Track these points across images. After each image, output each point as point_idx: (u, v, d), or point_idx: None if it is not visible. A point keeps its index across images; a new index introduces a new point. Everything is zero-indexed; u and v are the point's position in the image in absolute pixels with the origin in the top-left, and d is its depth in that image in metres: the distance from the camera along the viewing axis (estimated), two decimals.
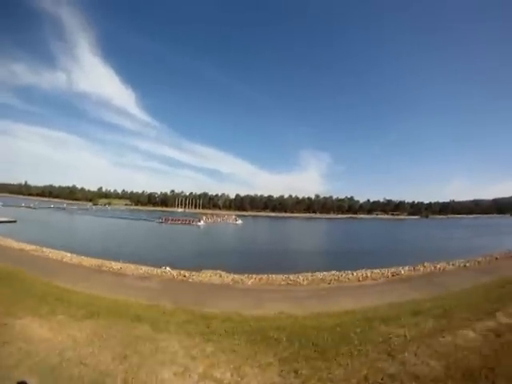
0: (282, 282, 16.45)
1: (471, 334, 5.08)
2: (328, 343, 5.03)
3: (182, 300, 11.72)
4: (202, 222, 76.33)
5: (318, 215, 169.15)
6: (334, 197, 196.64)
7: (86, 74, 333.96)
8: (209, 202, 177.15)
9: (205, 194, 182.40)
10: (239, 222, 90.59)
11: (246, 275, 17.69)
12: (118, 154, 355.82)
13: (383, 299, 11.11)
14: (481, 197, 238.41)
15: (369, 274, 17.79)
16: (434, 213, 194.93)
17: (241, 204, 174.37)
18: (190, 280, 16.94)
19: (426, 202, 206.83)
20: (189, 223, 75.13)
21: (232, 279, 17.09)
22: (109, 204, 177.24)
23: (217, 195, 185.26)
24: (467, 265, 20.25)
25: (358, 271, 18.65)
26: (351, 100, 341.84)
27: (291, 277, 17.29)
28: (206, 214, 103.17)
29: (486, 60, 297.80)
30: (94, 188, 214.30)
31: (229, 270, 18.68)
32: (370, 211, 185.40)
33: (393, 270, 18.90)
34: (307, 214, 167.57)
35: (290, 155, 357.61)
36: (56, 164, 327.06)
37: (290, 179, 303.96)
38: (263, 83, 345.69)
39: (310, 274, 17.94)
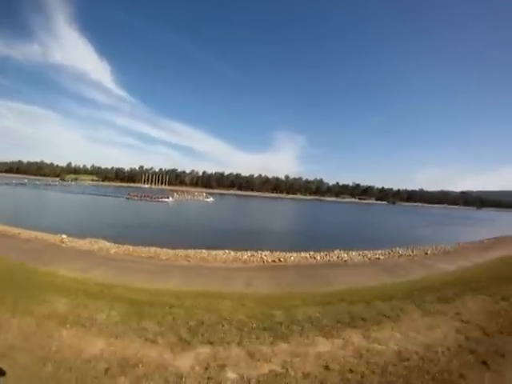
0: (143, 255, 16.77)
1: None
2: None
3: (34, 258, 13.15)
4: (170, 199, 75.19)
5: (284, 195, 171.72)
6: (305, 178, 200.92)
7: (62, 47, 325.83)
8: (176, 178, 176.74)
9: (172, 171, 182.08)
10: (210, 199, 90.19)
11: (122, 246, 18.33)
12: (92, 128, 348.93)
13: (200, 285, 10.53)
14: (449, 189, 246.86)
15: (246, 257, 16.74)
16: (401, 200, 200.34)
17: (208, 181, 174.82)
18: (64, 245, 18.25)
19: (396, 188, 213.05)
20: (157, 200, 72.95)
21: (100, 247, 18.11)
22: (75, 179, 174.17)
23: (184, 172, 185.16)
24: (381, 257, 18.14)
25: (244, 252, 17.63)
26: (330, 86, 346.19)
27: (158, 250, 17.48)
28: (176, 191, 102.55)
29: (461, 60, 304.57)
30: (64, 163, 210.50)
31: (122, 241, 19.44)
32: (337, 194, 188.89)
33: (285, 254, 17.37)
34: (273, 194, 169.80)
35: (266, 136, 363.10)
36: (29, 139, 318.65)
37: (265, 159, 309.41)
38: (242, 63, 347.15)
39: (182, 251, 17.55)
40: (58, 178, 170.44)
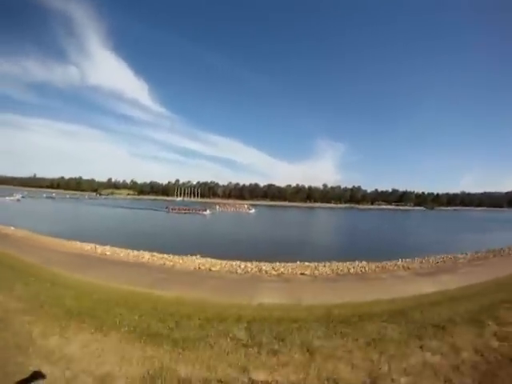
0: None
1: None
2: None
3: None
4: (208, 212, 76.10)
5: (317, 204, 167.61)
6: (343, 186, 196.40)
7: (97, 67, 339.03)
8: (209, 191, 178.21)
9: (205, 184, 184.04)
10: (252, 211, 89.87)
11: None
12: (132, 144, 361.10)
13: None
14: (496, 190, 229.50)
15: (100, 250, 22.08)
16: (441, 204, 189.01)
17: (240, 193, 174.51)
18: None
19: (439, 193, 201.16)
20: (195, 212, 75.47)
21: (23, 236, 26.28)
22: (112, 194, 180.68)
23: (217, 184, 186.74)
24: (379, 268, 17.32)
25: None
26: (366, 91, 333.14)
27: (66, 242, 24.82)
28: (219, 203, 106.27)
29: (500, 55, 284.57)
30: (105, 179, 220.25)
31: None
32: (372, 201, 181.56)
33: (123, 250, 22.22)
34: (306, 204, 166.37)
35: (306, 145, 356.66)
36: (71, 156, 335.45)
37: (306, 169, 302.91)
38: (278, 73, 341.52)
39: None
40: (94, 193, 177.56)
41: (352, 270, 17.70)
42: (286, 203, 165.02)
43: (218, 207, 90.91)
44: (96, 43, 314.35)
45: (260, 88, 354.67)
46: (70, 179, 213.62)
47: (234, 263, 18.40)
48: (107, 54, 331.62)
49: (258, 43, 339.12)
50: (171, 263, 18.41)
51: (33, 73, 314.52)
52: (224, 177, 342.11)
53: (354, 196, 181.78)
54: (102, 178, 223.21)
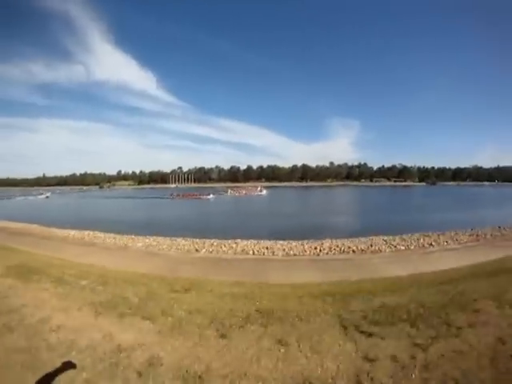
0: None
1: None
2: None
3: None
4: (211, 196, 78.69)
5: (311, 183, 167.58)
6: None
7: (102, 63, 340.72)
8: (204, 175, 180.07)
9: (199, 169, 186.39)
10: (264, 192, 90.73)
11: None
12: (143, 135, 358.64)
13: None
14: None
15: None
16: (446, 179, 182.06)
17: (234, 176, 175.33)
18: None
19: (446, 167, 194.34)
20: (199, 197, 78.32)
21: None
22: (113, 185, 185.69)
23: (211, 169, 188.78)
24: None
25: None
26: (377, 66, 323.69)
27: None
28: (232, 187, 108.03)
29: None
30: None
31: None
32: (371, 178, 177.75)
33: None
34: (300, 183, 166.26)
35: (320, 124, 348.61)
36: (81, 153, 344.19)
37: (321, 148, 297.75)
38: (285, 55, 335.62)
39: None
40: (97, 186, 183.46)
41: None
42: (280, 183, 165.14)
43: (229, 191, 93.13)
44: (98, 39, 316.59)
45: (271, 71, 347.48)
46: (76, 176, 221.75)
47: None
48: (110, 49, 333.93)
49: (266, 28, 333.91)
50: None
51: (38, 75, 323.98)
52: (239, 161, 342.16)
53: (351, 173, 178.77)
54: (112, 171, 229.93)
